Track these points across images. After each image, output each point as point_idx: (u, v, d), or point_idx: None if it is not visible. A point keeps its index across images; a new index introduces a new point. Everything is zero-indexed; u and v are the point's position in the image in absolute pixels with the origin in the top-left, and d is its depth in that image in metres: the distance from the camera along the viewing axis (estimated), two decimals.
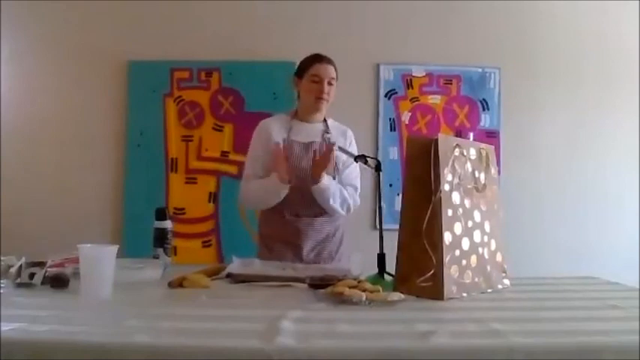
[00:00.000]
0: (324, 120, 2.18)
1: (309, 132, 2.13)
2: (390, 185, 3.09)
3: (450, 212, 1.40)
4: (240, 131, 3.09)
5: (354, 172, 2.15)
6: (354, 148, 2.19)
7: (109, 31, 3.12)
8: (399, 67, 3.17)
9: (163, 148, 3.10)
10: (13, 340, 0.95)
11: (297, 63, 3.02)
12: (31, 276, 1.44)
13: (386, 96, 3.17)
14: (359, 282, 1.41)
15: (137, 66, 3.11)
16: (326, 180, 1.99)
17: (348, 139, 2.18)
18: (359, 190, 2.18)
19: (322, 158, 1.97)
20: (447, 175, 1.41)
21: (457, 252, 1.41)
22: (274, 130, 2.12)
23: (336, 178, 2.09)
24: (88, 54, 3.12)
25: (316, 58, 2.13)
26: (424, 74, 3.18)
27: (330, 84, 2.09)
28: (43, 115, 3.12)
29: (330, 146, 1.98)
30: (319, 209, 2.07)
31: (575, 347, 0.99)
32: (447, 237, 1.38)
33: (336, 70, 2.13)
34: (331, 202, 2.03)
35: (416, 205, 1.42)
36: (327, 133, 2.14)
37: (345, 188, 2.10)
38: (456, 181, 1.44)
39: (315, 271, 1.69)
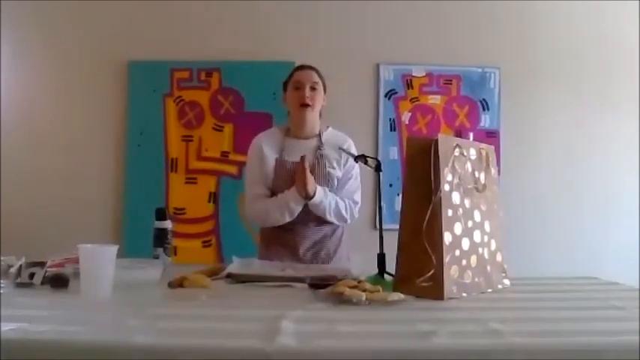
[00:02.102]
0: (319, 134, 2.11)
1: (302, 150, 2.05)
2: (390, 185, 3.09)
3: (450, 212, 1.40)
4: (240, 131, 3.09)
5: (353, 186, 2.12)
6: (351, 162, 2.10)
7: (109, 31, 3.12)
8: (399, 67, 3.17)
9: (163, 148, 3.10)
10: (13, 340, 0.95)
11: (297, 63, 3.06)
12: (31, 276, 1.44)
13: (386, 96, 3.17)
14: (359, 282, 1.41)
15: (137, 66, 3.11)
16: (318, 195, 1.97)
17: (344, 155, 2.09)
18: (359, 204, 2.15)
19: (297, 177, 1.94)
20: (447, 175, 1.41)
21: (457, 252, 1.41)
22: (267, 149, 2.07)
23: (331, 190, 2.06)
24: (88, 54, 3.12)
25: (297, 67, 2.12)
26: (424, 74, 3.18)
27: (313, 89, 2.04)
28: (43, 115, 3.12)
29: (302, 162, 1.93)
30: (315, 215, 2.06)
31: (575, 347, 0.99)
32: (447, 237, 1.38)
33: (320, 76, 2.09)
34: (327, 215, 2.02)
35: (416, 205, 1.42)
36: (320, 149, 2.08)
37: (344, 201, 2.08)
38: (456, 181, 1.44)
39: (315, 271, 1.69)
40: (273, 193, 2.06)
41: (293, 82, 2.08)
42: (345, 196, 2.10)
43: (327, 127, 2.16)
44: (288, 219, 2.01)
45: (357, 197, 2.14)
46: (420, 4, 3.18)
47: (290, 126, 2.12)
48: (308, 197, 1.96)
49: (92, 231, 2.98)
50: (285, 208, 1.99)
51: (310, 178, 1.94)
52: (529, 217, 3.11)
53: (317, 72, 2.10)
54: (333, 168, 2.06)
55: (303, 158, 1.94)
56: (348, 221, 2.11)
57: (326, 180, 2.04)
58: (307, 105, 2.03)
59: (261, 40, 3.12)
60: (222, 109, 3.12)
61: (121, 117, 3.12)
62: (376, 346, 0.98)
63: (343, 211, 2.07)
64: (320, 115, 2.13)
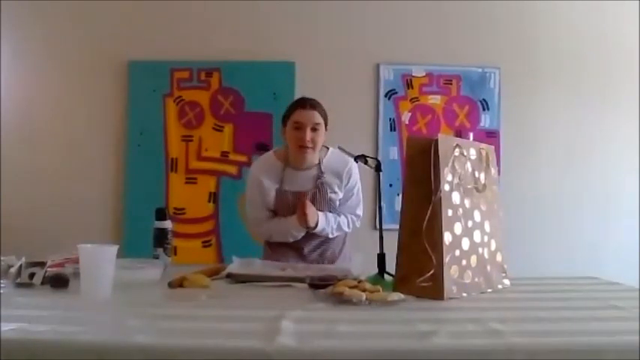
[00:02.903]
0: (319, 163, 2.06)
1: (302, 180, 2.04)
2: (390, 185, 3.09)
3: (450, 212, 1.40)
4: (240, 131, 3.09)
5: (354, 201, 2.13)
6: (352, 183, 2.10)
7: (109, 31, 3.12)
8: (399, 67, 3.17)
9: (163, 148, 3.10)
10: (13, 340, 0.96)
11: (297, 63, 3.08)
12: (31, 276, 1.44)
13: (386, 96, 3.17)
14: (359, 282, 1.41)
15: (137, 66, 3.11)
16: (320, 225, 1.98)
17: (344, 178, 2.07)
18: (361, 217, 2.18)
19: (299, 211, 1.94)
20: (447, 175, 1.41)
21: (457, 252, 1.41)
22: (266, 181, 2.03)
23: (333, 212, 2.07)
24: (88, 54, 3.12)
25: (299, 104, 2.00)
26: (424, 74, 3.18)
27: (314, 129, 1.96)
28: (43, 115, 3.12)
29: (302, 199, 1.94)
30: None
31: (575, 347, 0.99)
32: (447, 237, 1.38)
33: (322, 113, 2.00)
34: (330, 235, 2.05)
35: (416, 205, 1.42)
36: (320, 178, 2.04)
37: (347, 216, 2.11)
38: (456, 181, 1.44)
39: (315, 271, 1.70)
40: (275, 213, 2.08)
41: (293, 122, 1.98)
42: (347, 211, 2.12)
43: (328, 149, 2.10)
44: (291, 240, 2.04)
45: (359, 211, 2.16)
46: (420, 4, 3.18)
47: (289, 157, 2.06)
48: (310, 229, 1.98)
49: (92, 231, 2.98)
50: (288, 234, 2.03)
51: (311, 210, 1.94)
52: (529, 217, 3.11)
53: (319, 109, 1.99)
54: (335, 192, 2.06)
55: (303, 195, 1.96)
56: (350, 229, 2.16)
57: (328, 205, 2.05)
58: (308, 147, 1.97)
59: (261, 40, 3.12)
60: (222, 109, 3.12)
61: (121, 117, 3.11)
62: (376, 346, 0.98)
63: (345, 227, 2.11)
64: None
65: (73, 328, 1.04)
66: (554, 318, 1.20)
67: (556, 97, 3.21)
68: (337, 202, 2.08)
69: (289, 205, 2.01)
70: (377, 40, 3.17)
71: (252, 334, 1.00)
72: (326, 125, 2.03)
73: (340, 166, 2.07)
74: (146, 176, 3.08)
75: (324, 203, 2.04)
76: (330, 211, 2.06)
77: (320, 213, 1.99)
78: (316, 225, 1.97)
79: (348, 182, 2.09)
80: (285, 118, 2.04)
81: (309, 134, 1.96)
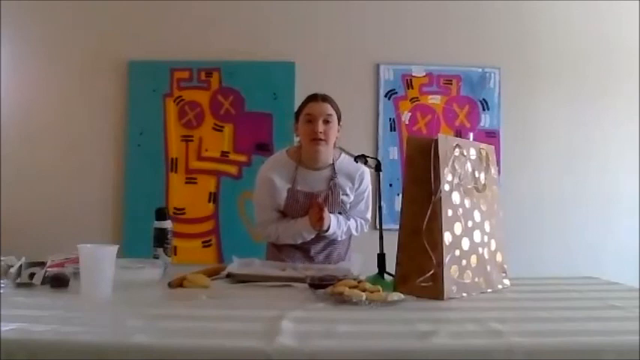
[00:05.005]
0: (332, 163, 2.04)
1: (315, 181, 2.02)
2: (390, 185, 3.09)
3: (450, 212, 1.40)
4: (240, 131, 3.09)
5: (364, 205, 2.12)
6: (364, 187, 2.09)
7: (109, 31, 3.12)
8: (399, 67, 3.17)
9: (163, 148, 3.10)
10: (13, 340, 0.96)
11: (297, 63, 3.08)
12: (31, 276, 1.44)
13: (386, 96, 3.17)
14: (359, 282, 1.41)
15: (137, 66, 3.11)
16: (332, 228, 1.98)
17: (356, 181, 2.06)
18: (369, 221, 2.18)
19: (312, 216, 1.93)
20: (447, 175, 1.41)
21: (457, 252, 1.41)
22: (278, 181, 1.99)
23: (343, 214, 2.07)
24: (88, 54, 3.12)
25: (311, 98, 2.00)
26: (424, 74, 3.18)
27: (326, 122, 1.94)
28: (43, 115, 3.12)
29: (315, 202, 1.93)
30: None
31: (575, 347, 0.99)
32: (447, 237, 1.38)
33: (335, 107, 1.99)
34: (339, 238, 2.06)
35: (416, 205, 1.42)
36: (333, 179, 2.02)
37: (356, 220, 2.11)
38: (456, 181, 1.44)
39: (315, 271, 1.70)
40: (283, 213, 2.07)
41: (305, 115, 1.97)
42: (357, 215, 2.12)
43: (340, 153, 2.07)
44: (299, 242, 2.03)
45: (368, 215, 2.17)
46: (420, 4, 3.18)
47: (302, 156, 2.03)
48: (322, 232, 1.98)
49: (92, 231, 2.98)
50: (298, 236, 2.01)
51: (326, 214, 1.93)
52: (529, 217, 3.11)
53: (331, 103, 1.99)
54: (346, 195, 2.06)
55: (315, 196, 1.95)
56: (358, 233, 2.16)
57: (339, 207, 2.05)
58: (320, 140, 1.95)
59: (261, 40, 3.12)
60: (222, 109, 3.12)
61: (121, 117, 3.11)
62: (376, 346, 0.98)
63: (354, 231, 2.11)
64: (334, 145, 2.03)
65: (73, 328, 1.04)
66: (554, 318, 1.20)
67: (556, 96, 3.21)
68: (348, 205, 2.08)
69: (300, 205, 2.00)
70: (377, 40, 3.17)
71: (252, 334, 1.00)
72: (339, 120, 2.02)
73: (353, 169, 2.05)
74: (146, 176, 3.08)
75: (336, 205, 2.03)
76: (340, 213, 2.06)
77: (332, 216, 1.99)
78: (328, 228, 1.97)
79: (359, 186, 2.08)
80: (298, 114, 2.03)
81: (320, 126, 1.94)
